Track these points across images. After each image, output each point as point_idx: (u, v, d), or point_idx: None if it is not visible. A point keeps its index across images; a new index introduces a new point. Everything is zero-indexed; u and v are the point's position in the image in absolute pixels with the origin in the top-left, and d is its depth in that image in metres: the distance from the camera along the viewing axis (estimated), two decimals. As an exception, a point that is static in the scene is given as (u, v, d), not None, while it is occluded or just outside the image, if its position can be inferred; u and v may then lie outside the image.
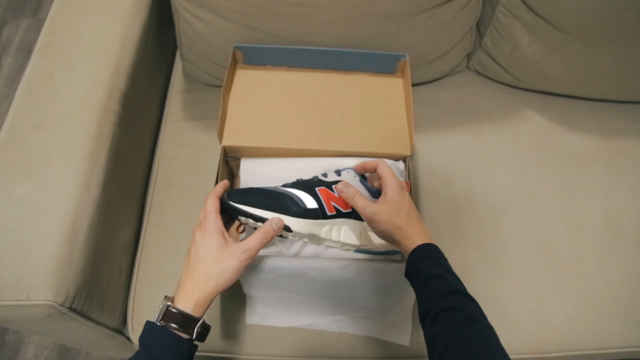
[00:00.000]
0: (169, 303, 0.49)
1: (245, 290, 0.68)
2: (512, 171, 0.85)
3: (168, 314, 0.47)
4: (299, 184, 0.59)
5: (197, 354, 0.49)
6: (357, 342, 0.70)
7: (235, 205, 0.54)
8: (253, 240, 0.52)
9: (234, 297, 0.72)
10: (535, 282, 0.75)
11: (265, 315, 0.70)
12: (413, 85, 0.76)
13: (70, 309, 0.59)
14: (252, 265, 0.62)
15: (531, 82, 0.92)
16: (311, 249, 0.71)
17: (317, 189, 0.58)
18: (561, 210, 0.81)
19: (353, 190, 0.56)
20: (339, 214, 0.58)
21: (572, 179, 0.84)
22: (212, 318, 0.71)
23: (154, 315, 0.49)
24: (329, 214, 0.57)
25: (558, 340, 0.72)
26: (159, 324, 0.47)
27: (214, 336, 0.70)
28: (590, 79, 0.87)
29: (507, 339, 0.72)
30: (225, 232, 0.53)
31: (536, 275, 0.76)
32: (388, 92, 0.78)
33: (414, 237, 0.52)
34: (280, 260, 0.61)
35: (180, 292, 0.50)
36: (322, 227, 0.58)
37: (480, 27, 0.90)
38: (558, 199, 0.82)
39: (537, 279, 0.75)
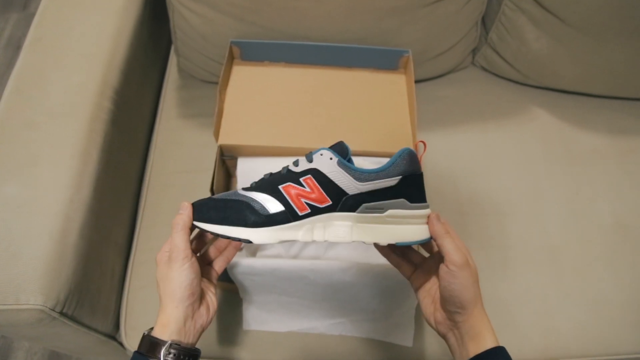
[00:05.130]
0: (146, 331, 0.48)
1: (241, 294, 0.68)
2: (519, 171, 0.85)
3: (141, 342, 0.47)
4: (263, 183, 0.50)
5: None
6: (359, 344, 0.70)
7: (195, 224, 0.50)
8: (172, 237, 0.49)
9: (229, 302, 0.72)
10: (542, 285, 0.75)
11: (262, 320, 0.70)
12: (416, 81, 0.76)
13: (61, 313, 0.59)
14: (249, 268, 0.62)
15: (538, 79, 0.92)
16: (311, 250, 0.71)
17: (280, 187, 0.48)
18: (569, 211, 0.81)
19: (444, 227, 0.49)
20: (315, 211, 0.48)
21: (580, 178, 0.84)
22: (208, 323, 0.71)
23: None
24: (300, 214, 0.48)
25: (566, 346, 0.72)
26: (139, 353, 0.47)
27: (210, 343, 0.70)
28: (600, 75, 0.87)
29: (513, 344, 0.71)
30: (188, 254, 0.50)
31: (543, 278, 0.76)
32: (390, 89, 0.78)
33: (483, 330, 0.46)
34: (279, 262, 0.62)
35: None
36: (298, 231, 0.48)
37: (485, 22, 0.90)
38: (566, 199, 0.82)
39: (544, 281, 0.75)
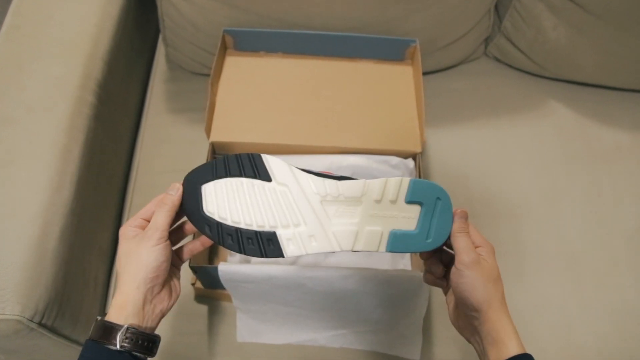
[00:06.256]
0: (99, 317, 0.47)
1: (235, 303, 0.68)
2: (535, 170, 0.85)
3: (93, 328, 0.46)
4: None
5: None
6: (362, 358, 0.70)
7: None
8: (156, 213, 0.48)
9: (222, 312, 0.72)
10: (560, 294, 0.75)
11: (258, 331, 0.70)
12: (424, 73, 0.76)
13: (40, 324, 0.59)
14: (242, 275, 0.62)
15: (556, 70, 0.91)
16: (310, 256, 0.71)
17: None
18: (590, 214, 0.81)
19: (462, 225, 0.48)
20: None
21: (602, 178, 0.84)
22: (199, 335, 0.71)
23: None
24: None
25: (586, 360, 0.72)
26: (91, 341, 0.46)
27: (201, 355, 0.70)
28: (623, 66, 0.87)
29: (529, 358, 0.70)
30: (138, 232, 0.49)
31: (561, 286, 0.76)
32: (396, 81, 0.78)
33: (503, 335, 0.46)
34: (275, 269, 0.61)
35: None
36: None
37: (499, 9, 0.90)
38: (586, 201, 0.82)
39: (563, 291, 0.75)
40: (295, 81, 0.76)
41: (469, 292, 0.47)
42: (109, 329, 0.44)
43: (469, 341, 0.50)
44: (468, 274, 0.47)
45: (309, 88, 0.76)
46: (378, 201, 0.45)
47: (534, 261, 0.77)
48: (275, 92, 0.75)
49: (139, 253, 0.47)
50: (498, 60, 0.96)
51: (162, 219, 0.48)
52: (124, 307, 0.45)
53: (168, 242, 0.48)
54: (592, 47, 0.85)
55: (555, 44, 0.86)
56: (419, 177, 0.69)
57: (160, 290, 0.48)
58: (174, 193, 0.49)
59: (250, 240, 0.46)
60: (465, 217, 0.49)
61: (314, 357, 0.70)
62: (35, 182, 0.63)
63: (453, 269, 0.48)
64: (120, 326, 0.44)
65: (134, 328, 0.45)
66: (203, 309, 0.72)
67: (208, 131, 0.70)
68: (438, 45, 0.88)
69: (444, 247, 0.50)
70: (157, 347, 0.47)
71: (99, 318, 0.46)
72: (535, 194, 0.82)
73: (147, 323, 0.47)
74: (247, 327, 0.70)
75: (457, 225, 0.49)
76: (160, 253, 0.47)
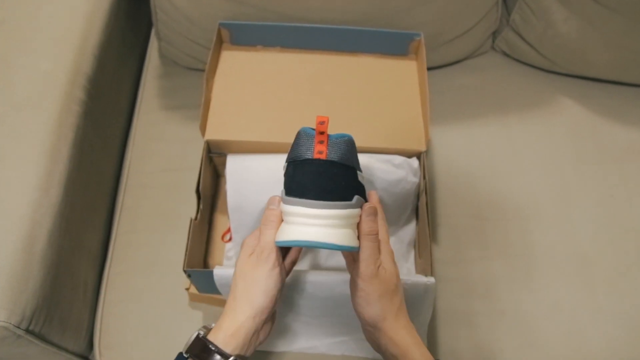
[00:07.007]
0: (201, 331, 0.46)
1: (232, 308, 0.68)
2: (545, 169, 0.85)
3: (193, 344, 0.45)
4: None
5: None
6: (363, 368, 0.70)
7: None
8: (263, 233, 0.47)
9: (217, 317, 0.72)
10: (571, 298, 0.75)
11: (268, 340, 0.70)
12: (429, 68, 0.76)
13: (27, 330, 0.59)
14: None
15: (567, 65, 0.92)
16: (308, 259, 0.71)
17: None
18: (602, 215, 0.81)
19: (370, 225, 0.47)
20: None
21: (614, 178, 0.84)
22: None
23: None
24: None
25: (598, 368, 0.72)
26: (184, 355, 0.45)
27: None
28: (637, 61, 0.87)
29: (538, 365, 0.71)
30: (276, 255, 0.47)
31: (572, 290, 0.76)
32: (399, 77, 0.78)
33: (404, 348, 0.45)
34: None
35: (220, 319, 0.47)
36: None
37: (507, 1, 0.90)
38: (598, 201, 0.82)
39: (574, 294, 0.75)
40: (293, 77, 0.77)
41: (362, 307, 0.46)
42: (211, 353, 0.43)
43: (381, 354, 0.49)
44: (363, 287, 0.45)
45: (308, 84, 0.76)
46: None
47: (544, 264, 0.77)
48: (273, 88, 0.75)
49: (257, 277, 0.46)
50: (506, 54, 0.96)
51: (271, 237, 0.46)
52: (236, 336, 0.44)
53: (283, 264, 0.47)
54: (605, 41, 0.85)
55: (566, 37, 0.86)
56: (424, 176, 0.70)
57: (267, 319, 0.47)
58: (276, 207, 0.48)
59: None
60: (374, 214, 0.47)
61: (313, 365, 0.70)
62: (23, 183, 0.63)
63: (350, 279, 0.47)
64: (228, 355, 0.43)
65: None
66: (197, 314, 0.72)
67: (203, 129, 0.70)
68: (443, 39, 0.88)
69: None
70: None
71: (201, 334, 0.45)
72: (545, 195, 0.83)
73: (247, 352, 0.46)
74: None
75: (364, 225, 0.47)
76: (278, 279, 0.46)
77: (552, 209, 0.82)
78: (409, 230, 0.76)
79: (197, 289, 0.69)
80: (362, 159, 0.70)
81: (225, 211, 0.73)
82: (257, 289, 0.45)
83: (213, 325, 0.47)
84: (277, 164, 0.70)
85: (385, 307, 0.46)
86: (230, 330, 0.45)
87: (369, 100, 0.75)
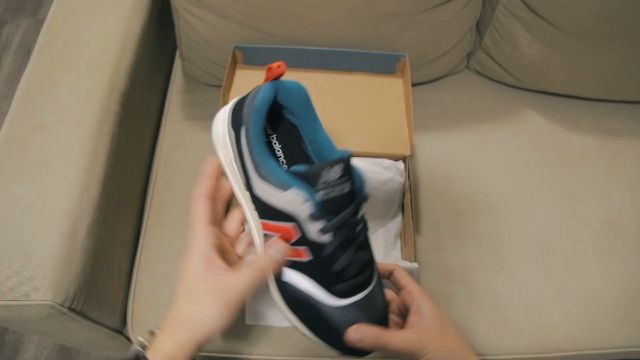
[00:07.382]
0: (140, 348, 0.38)
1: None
2: (512, 171, 0.85)
3: (131, 354, 0.38)
4: None
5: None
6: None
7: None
8: (242, 278, 0.37)
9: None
10: (535, 281, 0.75)
11: (265, 315, 0.70)
12: (413, 85, 0.76)
13: (70, 308, 0.59)
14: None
15: (531, 82, 0.92)
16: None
17: None
18: (561, 211, 0.81)
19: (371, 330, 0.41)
20: None
21: (572, 179, 0.84)
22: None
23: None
24: None
25: (558, 340, 0.72)
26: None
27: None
28: (591, 79, 0.87)
29: (507, 339, 0.72)
30: (214, 255, 0.38)
31: (536, 275, 0.76)
32: (388, 92, 0.78)
33: None
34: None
35: (159, 334, 0.38)
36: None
37: (480, 27, 0.90)
38: (558, 199, 0.82)
39: (537, 278, 0.75)
40: (298, 92, 0.76)
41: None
42: None
43: None
44: (432, 310, 0.43)
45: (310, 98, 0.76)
46: None
47: (512, 252, 0.77)
48: (280, 102, 0.75)
49: (197, 308, 0.38)
50: (479, 73, 0.96)
51: (248, 283, 0.40)
52: (175, 357, 0.36)
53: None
54: (563, 61, 0.85)
55: (530, 59, 0.86)
56: (409, 177, 0.70)
57: None
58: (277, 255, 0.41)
59: None
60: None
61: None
62: (66, 182, 0.63)
63: (413, 311, 0.43)
64: None
65: None
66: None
67: (220, 136, 0.70)
68: (425, 59, 0.88)
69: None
70: None
71: (141, 351, 0.38)
72: (512, 193, 0.83)
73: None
74: (255, 310, 0.70)
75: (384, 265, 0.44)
76: (228, 319, 0.39)
77: (519, 205, 0.82)
78: (396, 223, 0.76)
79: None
80: (356, 162, 0.70)
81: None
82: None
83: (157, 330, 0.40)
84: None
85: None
86: (174, 352, 0.37)
87: (361, 112, 0.75)
